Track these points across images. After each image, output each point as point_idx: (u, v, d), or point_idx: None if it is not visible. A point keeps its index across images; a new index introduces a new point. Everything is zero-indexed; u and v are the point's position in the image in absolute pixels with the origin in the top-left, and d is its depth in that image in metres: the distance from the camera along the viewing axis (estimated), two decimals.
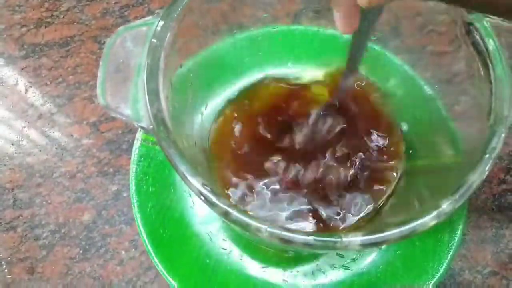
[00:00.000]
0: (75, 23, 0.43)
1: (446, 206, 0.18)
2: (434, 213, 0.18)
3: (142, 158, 0.33)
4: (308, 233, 0.19)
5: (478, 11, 0.21)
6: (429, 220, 0.18)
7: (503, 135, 0.19)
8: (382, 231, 0.18)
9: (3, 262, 0.35)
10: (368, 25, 0.22)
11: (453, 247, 0.30)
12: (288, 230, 0.19)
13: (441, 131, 0.29)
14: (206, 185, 0.19)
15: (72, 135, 0.39)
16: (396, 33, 0.30)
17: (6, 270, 0.35)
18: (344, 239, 0.18)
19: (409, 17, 0.28)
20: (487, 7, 0.19)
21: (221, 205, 0.19)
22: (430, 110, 0.30)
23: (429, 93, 0.30)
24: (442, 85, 0.29)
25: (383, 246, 0.31)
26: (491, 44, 0.21)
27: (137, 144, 0.33)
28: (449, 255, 0.30)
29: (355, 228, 0.29)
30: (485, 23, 0.21)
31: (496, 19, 0.22)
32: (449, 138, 0.28)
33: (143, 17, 0.43)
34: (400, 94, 0.33)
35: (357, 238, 0.18)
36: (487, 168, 0.19)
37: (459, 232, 0.30)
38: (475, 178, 0.19)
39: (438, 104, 0.29)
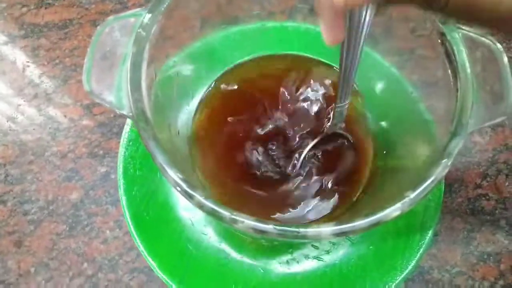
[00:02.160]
0: (74, 7, 0.44)
1: (406, 200, 0.20)
2: (396, 206, 0.20)
3: (131, 143, 0.34)
4: (275, 224, 0.20)
5: (456, 18, 0.21)
6: (392, 211, 0.20)
7: (461, 141, 0.20)
8: (351, 221, 0.20)
9: None
10: (355, 40, 0.20)
11: (423, 246, 0.31)
12: (259, 221, 0.20)
13: (422, 133, 0.30)
14: (182, 177, 0.20)
15: (65, 116, 0.40)
16: (387, 35, 0.31)
17: None
18: (309, 229, 0.19)
19: (402, 20, 0.29)
20: (466, 15, 0.19)
21: (197, 196, 0.20)
22: (413, 112, 0.31)
23: (413, 95, 0.31)
24: (426, 88, 0.30)
25: (356, 240, 0.32)
26: (460, 55, 0.21)
27: (127, 128, 0.34)
28: (419, 253, 0.31)
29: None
30: (457, 35, 0.22)
31: (470, 31, 0.22)
32: (428, 140, 0.29)
33: (141, 4, 0.44)
34: (385, 95, 0.34)
35: (327, 228, 0.20)
36: (445, 170, 0.20)
37: (430, 232, 0.31)
38: (434, 177, 0.20)
39: (421, 107, 0.30)
